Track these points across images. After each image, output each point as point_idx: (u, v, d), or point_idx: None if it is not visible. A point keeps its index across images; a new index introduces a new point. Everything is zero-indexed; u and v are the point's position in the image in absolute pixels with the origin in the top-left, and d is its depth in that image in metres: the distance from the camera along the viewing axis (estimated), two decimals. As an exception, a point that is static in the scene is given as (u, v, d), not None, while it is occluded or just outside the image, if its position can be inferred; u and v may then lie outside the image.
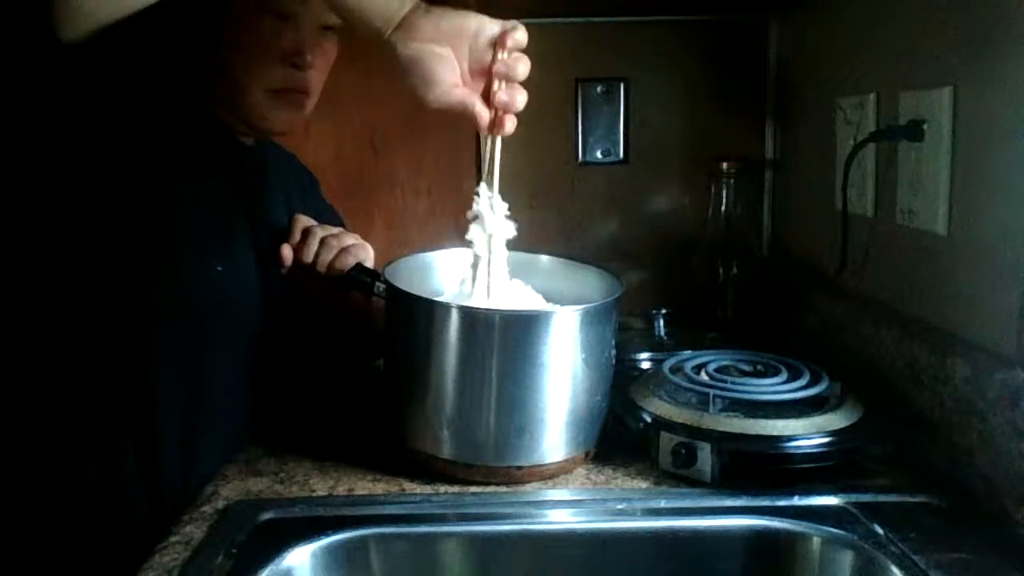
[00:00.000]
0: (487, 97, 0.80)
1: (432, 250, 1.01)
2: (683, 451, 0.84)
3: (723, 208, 1.32)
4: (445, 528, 0.79)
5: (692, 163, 1.41)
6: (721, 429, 0.84)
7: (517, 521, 0.80)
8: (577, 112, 1.42)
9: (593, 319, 0.86)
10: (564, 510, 0.82)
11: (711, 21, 1.41)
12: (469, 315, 0.84)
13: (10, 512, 0.91)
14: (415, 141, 1.43)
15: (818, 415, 0.86)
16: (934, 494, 0.82)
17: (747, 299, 1.32)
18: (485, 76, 0.79)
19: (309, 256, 1.00)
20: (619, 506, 0.82)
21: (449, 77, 0.77)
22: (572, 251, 1.06)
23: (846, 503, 0.81)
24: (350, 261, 0.99)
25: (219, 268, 0.96)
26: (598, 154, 1.43)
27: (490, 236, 0.86)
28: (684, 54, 1.41)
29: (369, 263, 1.02)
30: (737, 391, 0.89)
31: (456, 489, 0.85)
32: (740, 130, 1.43)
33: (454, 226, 1.40)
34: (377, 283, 0.98)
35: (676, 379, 0.92)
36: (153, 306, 0.92)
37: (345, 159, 1.43)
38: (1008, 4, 0.78)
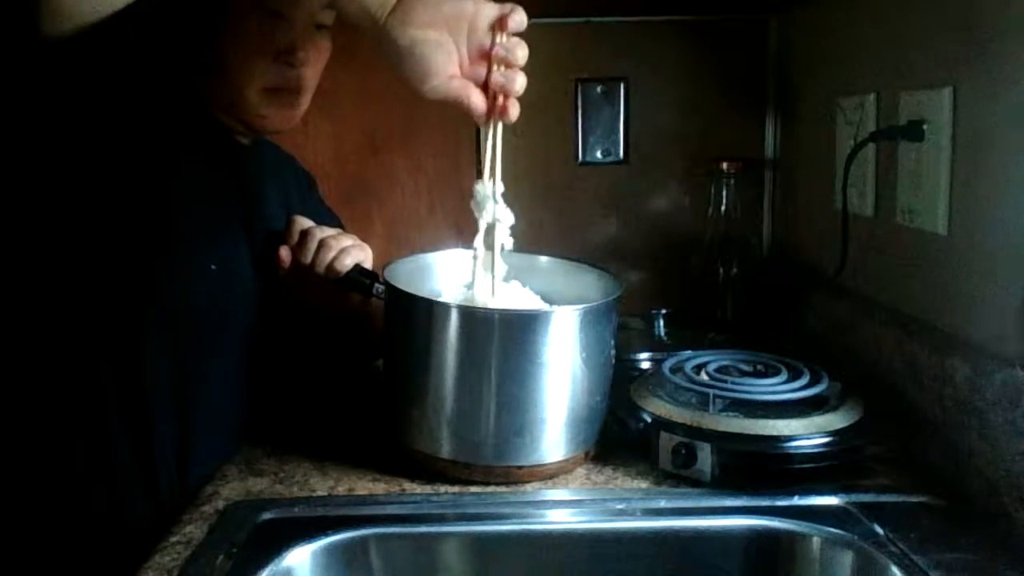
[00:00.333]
0: (487, 82, 0.77)
1: (432, 251, 1.01)
2: (683, 451, 0.84)
3: (723, 208, 1.32)
4: (445, 528, 0.79)
5: (692, 163, 1.41)
6: (721, 429, 0.84)
7: (517, 521, 0.80)
8: (577, 112, 1.42)
9: (592, 319, 0.86)
10: (564, 510, 0.82)
11: (711, 21, 1.40)
12: (469, 315, 0.84)
13: (9, 513, 0.91)
14: (415, 141, 1.43)
15: (818, 415, 0.86)
16: (934, 494, 0.82)
17: (747, 299, 1.32)
18: (484, 61, 0.77)
19: (307, 257, 1.00)
20: (619, 506, 0.82)
21: (446, 67, 0.75)
22: (572, 251, 1.05)
23: (846, 503, 0.81)
24: (349, 262, 0.99)
25: (214, 267, 0.96)
26: (598, 154, 1.43)
27: (493, 224, 0.84)
28: (684, 54, 1.41)
29: (368, 264, 1.02)
30: (737, 391, 0.89)
31: (456, 489, 0.85)
32: (740, 130, 1.42)
33: (454, 226, 1.42)
34: (376, 284, 0.98)
35: (676, 379, 0.92)
36: (149, 305, 0.92)
37: (345, 159, 1.43)
38: (1008, 4, 0.78)
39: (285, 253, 1.00)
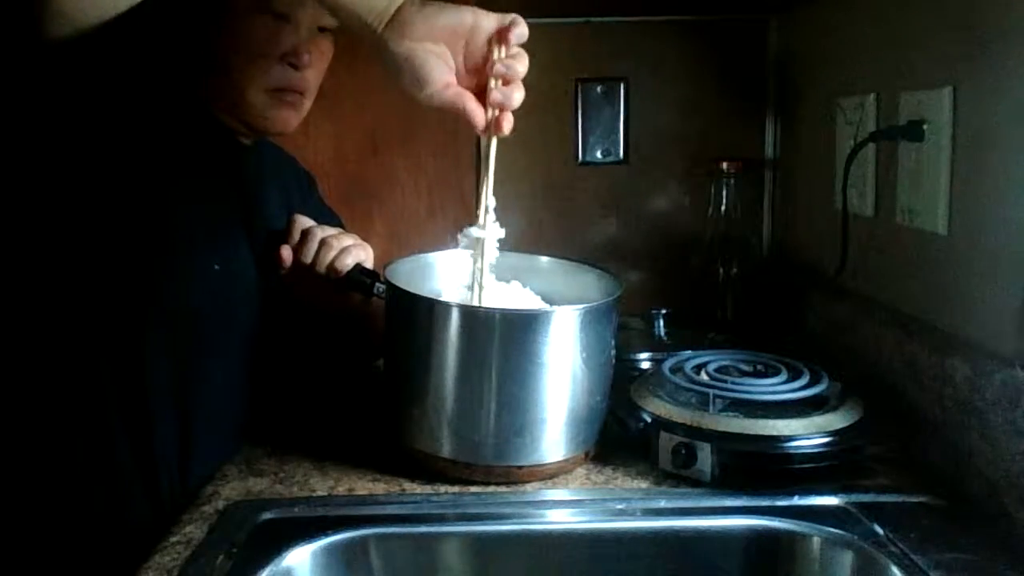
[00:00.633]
0: (483, 93, 0.77)
1: (432, 251, 1.01)
2: (683, 451, 0.84)
3: (723, 208, 1.32)
4: (445, 528, 0.79)
5: (692, 163, 1.41)
6: (721, 429, 0.84)
7: (517, 521, 0.80)
8: (577, 112, 1.42)
9: (592, 319, 0.86)
10: (564, 510, 0.82)
11: (711, 21, 1.40)
12: (469, 315, 0.84)
13: (9, 512, 0.91)
14: (415, 141, 1.43)
15: (818, 415, 0.86)
16: (934, 494, 0.82)
17: (747, 299, 1.32)
18: (481, 73, 0.77)
19: (308, 257, 1.00)
20: (619, 506, 0.82)
21: (442, 76, 0.75)
22: (572, 251, 1.05)
23: (846, 503, 0.81)
24: (349, 262, 0.99)
25: (216, 267, 0.97)
26: (598, 154, 1.43)
27: (480, 240, 0.84)
28: (684, 54, 1.41)
29: (368, 264, 1.02)
30: (737, 391, 0.89)
31: (456, 489, 0.85)
32: (740, 130, 1.43)
33: (454, 226, 1.41)
34: (377, 284, 0.98)
35: (676, 379, 0.92)
36: (150, 304, 0.92)
37: (345, 159, 1.43)
38: (1008, 4, 0.78)
39: (286, 253, 1.00)
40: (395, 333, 0.92)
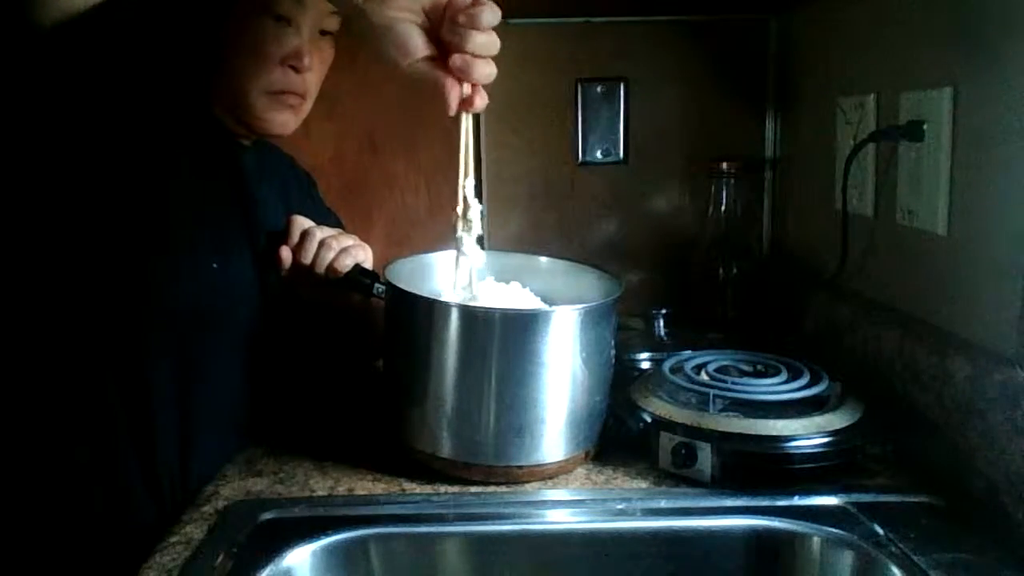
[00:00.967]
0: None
1: (432, 251, 1.01)
2: (683, 451, 0.84)
3: (723, 208, 1.32)
4: (445, 528, 0.79)
5: (692, 163, 1.41)
6: (721, 429, 0.84)
7: (517, 521, 0.80)
8: (577, 112, 1.42)
9: (592, 319, 0.86)
10: (564, 510, 0.82)
11: (711, 21, 1.40)
12: (469, 315, 0.84)
13: (10, 512, 0.91)
14: (415, 141, 1.43)
15: (818, 415, 0.86)
16: (934, 494, 0.82)
17: (747, 299, 1.32)
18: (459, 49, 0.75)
19: (308, 257, 1.00)
20: (619, 506, 0.82)
21: (422, 49, 0.74)
22: (572, 251, 1.06)
23: (846, 503, 0.81)
24: (349, 262, 0.99)
25: (215, 267, 0.97)
26: (598, 154, 1.43)
27: (460, 238, 0.84)
28: (684, 54, 1.41)
29: (368, 264, 1.02)
30: (737, 391, 0.89)
31: (456, 489, 0.85)
32: (740, 130, 1.42)
33: (454, 226, 1.42)
34: (376, 284, 0.98)
35: (676, 379, 0.92)
36: (149, 305, 0.92)
37: (344, 159, 1.43)
38: (1008, 4, 0.78)
39: (285, 253, 1.00)
40: (395, 333, 0.92)
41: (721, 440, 0.83)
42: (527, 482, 0.86)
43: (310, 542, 0.75)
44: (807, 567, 0.77)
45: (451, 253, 0.99)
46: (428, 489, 0.85)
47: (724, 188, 1.32)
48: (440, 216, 1.44)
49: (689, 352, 1.01)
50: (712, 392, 0.88)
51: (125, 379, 0.91)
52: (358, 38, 0.75)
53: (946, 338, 0.87)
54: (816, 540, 0.76)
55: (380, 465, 0.90)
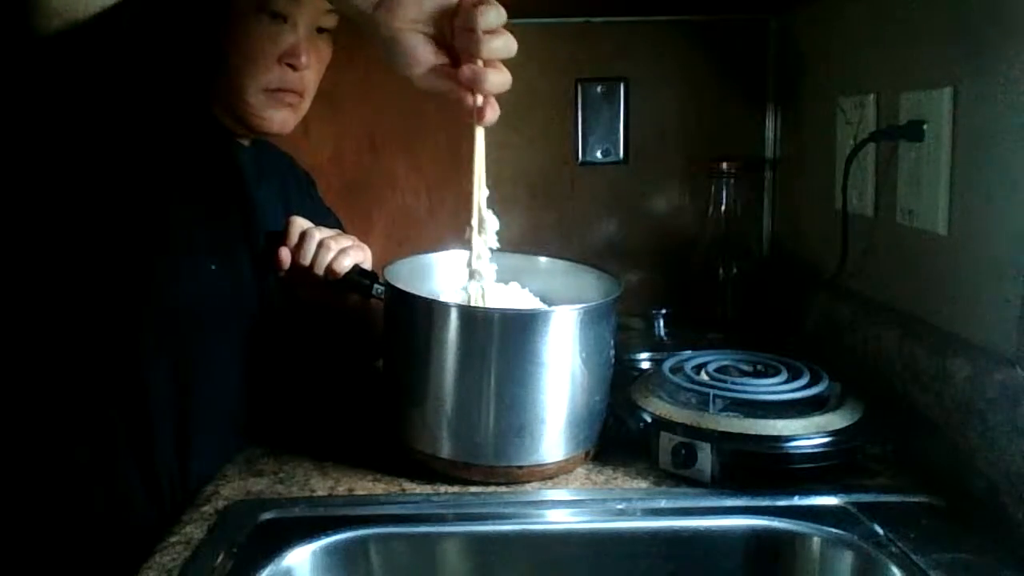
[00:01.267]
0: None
1: (432, 251, 1.01)
2: (683, 451, 0.84)
3: (723, 208, 1.32)
4: (445, 528, 0.79)
5: (692, 163, 1.41)
6: (721, 429, 0.84)
7: (517, 521, 0.80)
8: (577, 112, 1.42)
9: (592, 319, 0.86)
10: (564, 510, 0.82)
11: (711, 21, 1.40)
12: (469, 315, 0.84)
13: (10, 513, 0.91)
14: (415, 141, 1.43)
15: (818, 415, 0.86)
16: (934, 494, 0.82)
17: (747, 299, 1.32)
18: (471, 58, 0.75)
19: (307, 258, 1.00)
20: (619, 506, 0.82)
21: (431, 57, 0.74)
22: (572, 251, 1.05)
23: (846, 503, 0.81)
24: (347, 263, 0.99)
25: (214, 267, 0.97)
26: (598, 154, 1.43)
27: (474, 255, 0.84)
28: (684, 54, 1.41)
29: (367, 265, 1.02)
30: (737, 391, 0.89)
31: (456, 489, 0.85)
32: (740, 130, 1.42)
33: (454, 226, 1.41)
34: (375, 284, 0.98)
35: (676, 379, 0.92)
36: (148, 305, 0.92)
37: (344, 159, 1.43)
38: (1008, 4, 0.78)
39: (285, 254, 1.00)
40: (395, 333, 0.92)
41: (721, 440, 0.83)
42: (527, 482, 0.86)
43: (310, 542, 0.75)
44: (807, 567, 0.77)
45: (451, 253, 1.00)
46: (428, 489, 0.85)
47: (724, 188, 1.31)
48: (440, 216, 1.44)
49: (689, 352, 1.01)
50: (712, 392, 0.88)
51: (124, 379, 0.91)
52: (370, 44, 0.75)
53: (946, 338, 0.87)
54: (816, 540, 0.76)
55: (380, 465, 0.90)
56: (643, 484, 0.86)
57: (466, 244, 0.84)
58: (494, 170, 0.83)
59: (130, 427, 0.91)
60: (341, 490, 0.86)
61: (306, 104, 1.03)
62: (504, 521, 0.80)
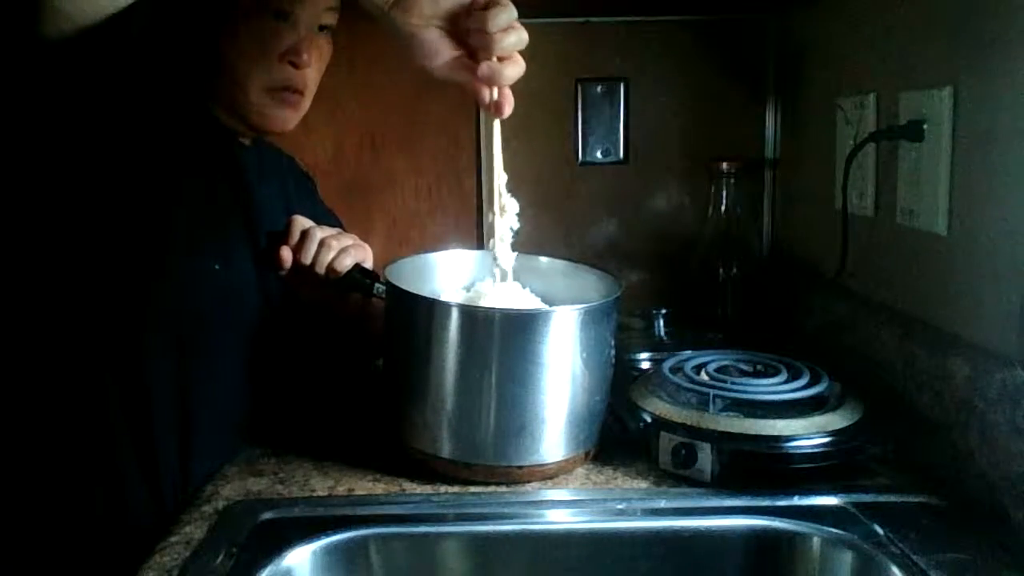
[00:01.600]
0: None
1: (432, 251, 1.01)
2: (683, 451, 0.84)
3: (723, 208, 1.32)
4: (445, 528, 0.79)
5: (692, 163, 1.41)
6: (721, 429, 0.84)
7: (517, 521, 0.80)
8: (577, 112, 1.42)
9: (592, 319, 0.86)
10: (564, 510, 0.82)
11: (711, 21, 1.40)
12: (469, 315, 0.84)
13: (11, 513, 0.91)
14: (415, 141, 1.43)
15: (818, 415, 0.86)
16: (934, 494, 0.82)
17: (747, 299, 1.32)
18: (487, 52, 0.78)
19: (308, 258, 1.00)
20: (619, 506, 0.82)
21: (449, 53, 0.76)
22: (572, 251, 1.06)
23: (846, 503, 0.81)
24: (348, 262, 0.99)
25: (216, 267, 0.97)
26: (598, 154, 1.43)
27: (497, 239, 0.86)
28: (684, 54, 1.41)
29: (368, 264, 1.02)
30: (737, 391, 0.89)
31: (456, 489, 0.85)
32: (740, 130, 1.42)
33: (454, 226, 1.42)
34: (376, 284, 0.98)
35: (676, 379, 0.92)
36: (150, 304, 0.92)
37: (345, 159, 1.43)
38: (1008, 4, 0.78)
39: (286, 253, 1.00)
40: (395, 333, 0.92)
41: (721, 440, 0.83)
42: (527, 482, 0.86)
43: (310, 542, 0.75)
44: (807, 567, 0.77)
45: (452, 253, 1.00)
46: (428, 489, 0.85)
47: (724, 188, 1.31)
48: (440, 216, 1.44)
49: (689, 352, 1.01)
50: (712, 392, 0.88)
51: (125, 379, 0.91)
52: (388, 37, 0.77)
53: (946, 338, 0.87)
54: (816, 540, 0.76)
55: (380, 465, 0.90)
56: (643, 484, 0.86)
57: (475, 244, 0.86)
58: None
59: (131, 427, 0.91)
60: (341, 490, 0.86)
61: (307, 102, 1.03)
62: (504, 521, 0.80)
